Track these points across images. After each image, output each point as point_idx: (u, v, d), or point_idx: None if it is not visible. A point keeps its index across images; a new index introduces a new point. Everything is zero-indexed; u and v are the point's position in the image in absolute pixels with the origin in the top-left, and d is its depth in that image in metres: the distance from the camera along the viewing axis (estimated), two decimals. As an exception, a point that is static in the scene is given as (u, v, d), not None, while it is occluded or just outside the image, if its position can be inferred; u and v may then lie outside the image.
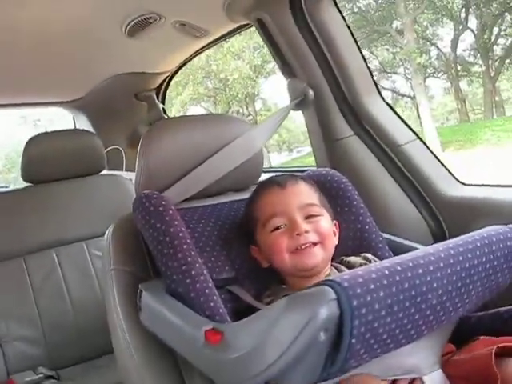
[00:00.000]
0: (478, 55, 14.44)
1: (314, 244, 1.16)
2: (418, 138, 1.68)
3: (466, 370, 1.03)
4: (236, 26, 1.88)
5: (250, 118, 14.48)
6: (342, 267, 1.22)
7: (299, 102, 1.69)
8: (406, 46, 13.58)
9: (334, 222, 1.27)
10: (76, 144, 2.11)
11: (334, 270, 1.21)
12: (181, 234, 1.11)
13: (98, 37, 1.92)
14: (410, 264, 0.85)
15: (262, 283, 1.22)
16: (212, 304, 1.05)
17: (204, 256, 1.19)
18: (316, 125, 1.71)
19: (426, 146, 1.68)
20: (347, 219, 1.34)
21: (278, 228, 1.18)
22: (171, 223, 1.12)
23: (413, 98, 14.68)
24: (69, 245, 2.05)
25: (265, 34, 1.69)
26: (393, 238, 1.38)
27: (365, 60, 1.67)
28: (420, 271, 0.84)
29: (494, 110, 14.70)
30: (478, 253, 0.94)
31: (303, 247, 1.15)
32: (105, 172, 2.27)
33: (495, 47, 14.16)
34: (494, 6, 13.45)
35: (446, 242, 0.98)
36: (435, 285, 0.86)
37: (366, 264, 1.21)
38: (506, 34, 13.81)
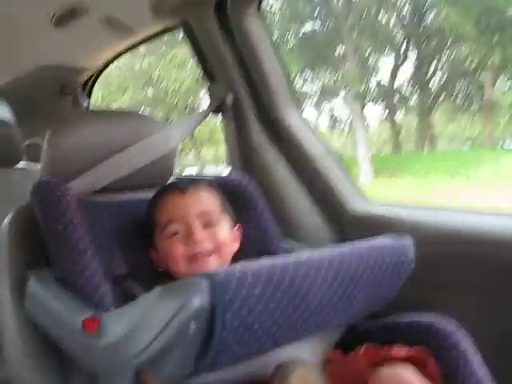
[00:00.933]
0: (416, 88, 14.93)
1: (210, 253, 1.16)
2: (332, 152, 1.71)
3: (344, 373, 1.06)
4: (163, 27, 1.88)
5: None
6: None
7: (219, 107, 1.70)
8: (347, 72, 13.87)
9: (237, 226, 1.28)
10: None
11: None
12: (75, 221, 1.09)
13: (23, 25, 1.87)
14: (292, 265, 0.86)
15: (157, 282, 1.21)
16: (99, 294, 1.03)
17: (101, 250, 1.17)
18: (233, 130, 1.73)
19: (338, 161, 1.70)
20: (251, 225, 1.35)
21: (175, 234, 1.17)
22: (66, 211, 1.10)
23: (350, 123, 15.00)
24: None
25: (190, 36, 1.70)
26: (295, 243, 1.40)
27: (285, 72, 1.69)
28: (301, 273, 0.85)
29: (426, 142, 15.21)
30: (362, 261, 0.96)
31: (199, 256, 1.15)
32: (21, 165, 2.20)
33: (432, 82, 14.67)
34: (434, 43, 13.96)
35: (333, 247, 1.00)
36: (316, 288, 0.87)
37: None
38: (442, 71, 14.35)
